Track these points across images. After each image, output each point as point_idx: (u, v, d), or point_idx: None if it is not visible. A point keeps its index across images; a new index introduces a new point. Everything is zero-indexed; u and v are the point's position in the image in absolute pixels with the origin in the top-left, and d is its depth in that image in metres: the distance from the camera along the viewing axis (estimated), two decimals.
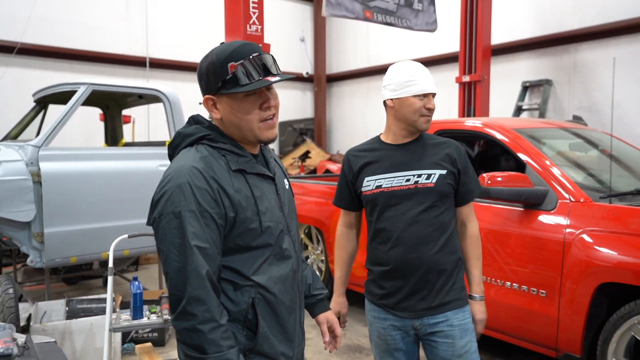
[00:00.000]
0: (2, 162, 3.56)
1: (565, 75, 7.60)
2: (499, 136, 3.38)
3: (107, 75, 8.61)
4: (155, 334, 3.82)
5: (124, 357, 3.62)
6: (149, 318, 2.99)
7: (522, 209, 3.05)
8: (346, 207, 2.13)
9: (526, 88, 7.95)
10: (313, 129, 11.84)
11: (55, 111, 4.28)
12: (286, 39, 11.25)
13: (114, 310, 3.00)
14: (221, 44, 1.37)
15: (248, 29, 5.20)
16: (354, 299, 3.28)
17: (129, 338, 3.75)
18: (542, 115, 7.60)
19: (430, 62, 8.54)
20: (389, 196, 1.93)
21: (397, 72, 1.95)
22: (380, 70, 9.74)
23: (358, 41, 11.28)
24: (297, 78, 11.66)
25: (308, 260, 4.92)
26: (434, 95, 1.96)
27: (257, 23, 5.28)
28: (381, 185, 1.95)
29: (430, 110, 1.94)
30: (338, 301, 2.14)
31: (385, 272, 1.96)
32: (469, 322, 1.96)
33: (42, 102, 4.85)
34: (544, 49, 7.84)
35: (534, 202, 2.97)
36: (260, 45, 4.98)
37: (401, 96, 1.92)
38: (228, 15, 5.36)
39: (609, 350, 2.63)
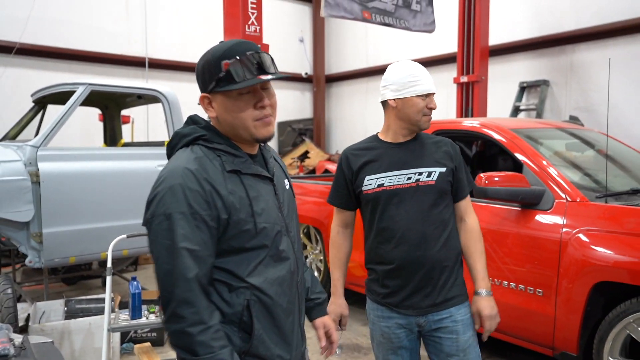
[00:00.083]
0: (0, 162, 3.56)
1: (562, 76, 7.62)
2: (496, 136, 3.40)
3: (106, 75, 8.60)
4: (154, 334, 3.83)
5: (123, 357, 3.63)
6: (147, 318, 3.00)
7: (519, 209, 3.07)
8: (343, 205, 2.10)
9: (523, 88, 7.97)
10: (312, 129, 11.84)
11: (54, 111, 4.28)
12: (285, 40, 11.25)
13: (112, 310, 3.01)
14: (220, 42, 1.36)
15: (247, 29, 5.21)
16: (352, 298, 3.29)
17: (128, 338, 3.76)
18: (539, 115, 7.63)
19: (428, 63, 8.55)
20: (391, 194, 1.93)
21: (399, 72, 1.94)
22: (379, 71, 9.75)
23: (357, 42, 11.30)
24: (296, 78, 11.67)
25: (307, 260, 4.93)
26: (433, 94, 1.98)
27: (255, 23, 5.28)
28: (383, 183, 1.94)
29: (432, 110, 1.96)
30: (339, 303, 2.08)
31: (389, 270, 1.96)
32: (470, 317, 1.98)
33: (41, 102, 4.85)
34: (541, 50, 7.86)
35: (530, 202, 2.99)
36: (259, 45, 4.98)
37: (404, 96, 1.92)
38: (227, 15, 5.36)
39: (605, 348, 2.65)
